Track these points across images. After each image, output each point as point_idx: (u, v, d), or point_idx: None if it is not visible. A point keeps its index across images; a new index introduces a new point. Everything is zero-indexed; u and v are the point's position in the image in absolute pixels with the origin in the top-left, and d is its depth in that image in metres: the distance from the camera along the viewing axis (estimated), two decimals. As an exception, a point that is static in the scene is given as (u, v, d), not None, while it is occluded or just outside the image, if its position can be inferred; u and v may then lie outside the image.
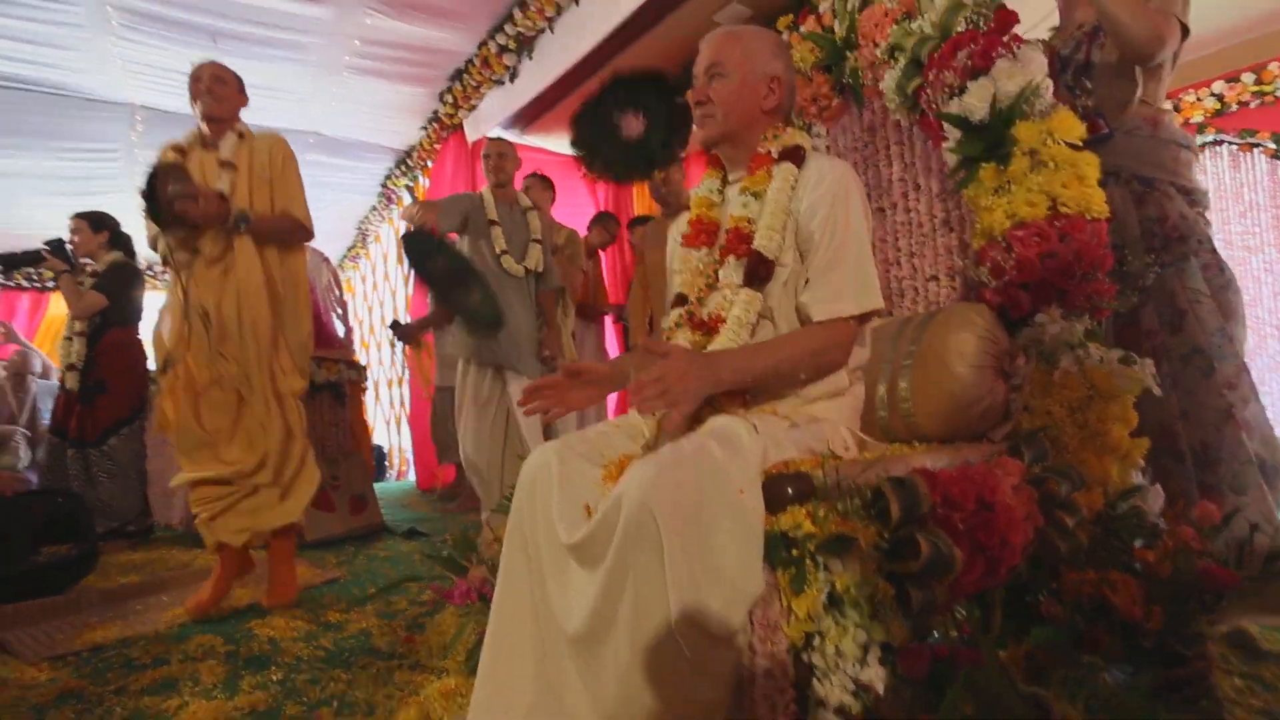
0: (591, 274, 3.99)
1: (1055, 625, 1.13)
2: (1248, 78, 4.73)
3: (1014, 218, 1.29)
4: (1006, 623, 1.23)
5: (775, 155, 1.22)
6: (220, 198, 1.99)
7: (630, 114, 2.28)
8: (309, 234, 2.17)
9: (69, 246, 3.08)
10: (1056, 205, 1.27)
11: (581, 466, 1.16)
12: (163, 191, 1.88)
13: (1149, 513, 1.22)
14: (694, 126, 1.31)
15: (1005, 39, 1.35)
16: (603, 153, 2.35)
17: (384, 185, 5.64)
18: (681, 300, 1.29)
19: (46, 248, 2.97)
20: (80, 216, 3.16)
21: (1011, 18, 1.37)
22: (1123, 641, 1.10)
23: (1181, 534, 1.17)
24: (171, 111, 4.10)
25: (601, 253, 4.26)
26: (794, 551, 0.87)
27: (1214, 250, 1.58)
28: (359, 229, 6.52)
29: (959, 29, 1.42)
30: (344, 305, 3.68)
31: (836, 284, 1.12)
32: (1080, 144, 1.29)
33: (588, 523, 1.02)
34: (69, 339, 3.12)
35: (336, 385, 3.34)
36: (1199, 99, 4.95)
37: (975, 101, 1.34)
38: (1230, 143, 5.02)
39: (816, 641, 0.86)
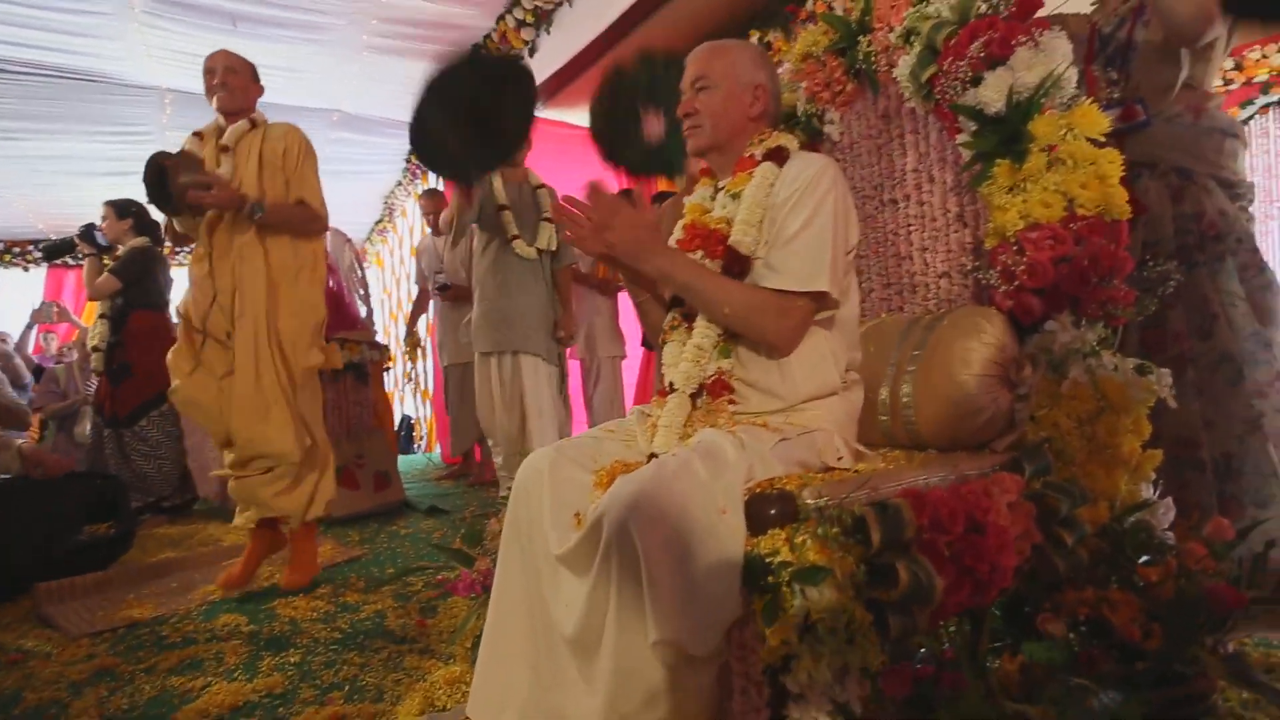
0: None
1: (1052, 642, 1.11)
2: (1319, 33, 4.38)
3: (1028, 218, 1.23)
4: (1005, 633, 1.21)
5: (759, 157, 1.23)
6: (236, 190, 2.01)
7: (653, 113, 2.11)
8: (323, 224, 2.17)
9: (98, 232, 3.17)
10: (1074, 206, 1.21)
11: (573, 473, 1.17)
12: (174, 180, 1.91)
13: (1157, 527, 1.18)
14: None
15: (1027, 24, 1.27)
16: (619, 150, 2.23)
17: (408, 160, 5.65)
18: (677, 301, 1.30)
19: (79, 234, 3.07)
20: (108, 204, 3.25)
21: (1034, 2, 1.29)
22: (1121, 662, 1.08)
23: (1190, 551, 1.13)
24: (199, 94, 4.14)
25: None
26: (770, 579, 0.86)
27: (1255, 249, 1.48)
28: (385, 203, 6.58)
29: (979, 13, 1.34)
30: (366, 286, 3.73)
31: (786, 259, 1.14)
32: (1103, 139, 1.21)
33: (576, 534, 1.04)
34: (97, 321, 3.23)
35: (359, 366, 3.40)
36: (1265, 55, 4.61)
37: (991, 93, 1.27)
38: (1299, 103, 4.69)
39: (793, 664, 0.86)
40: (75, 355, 4.55)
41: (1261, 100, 4.73)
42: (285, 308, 2.10)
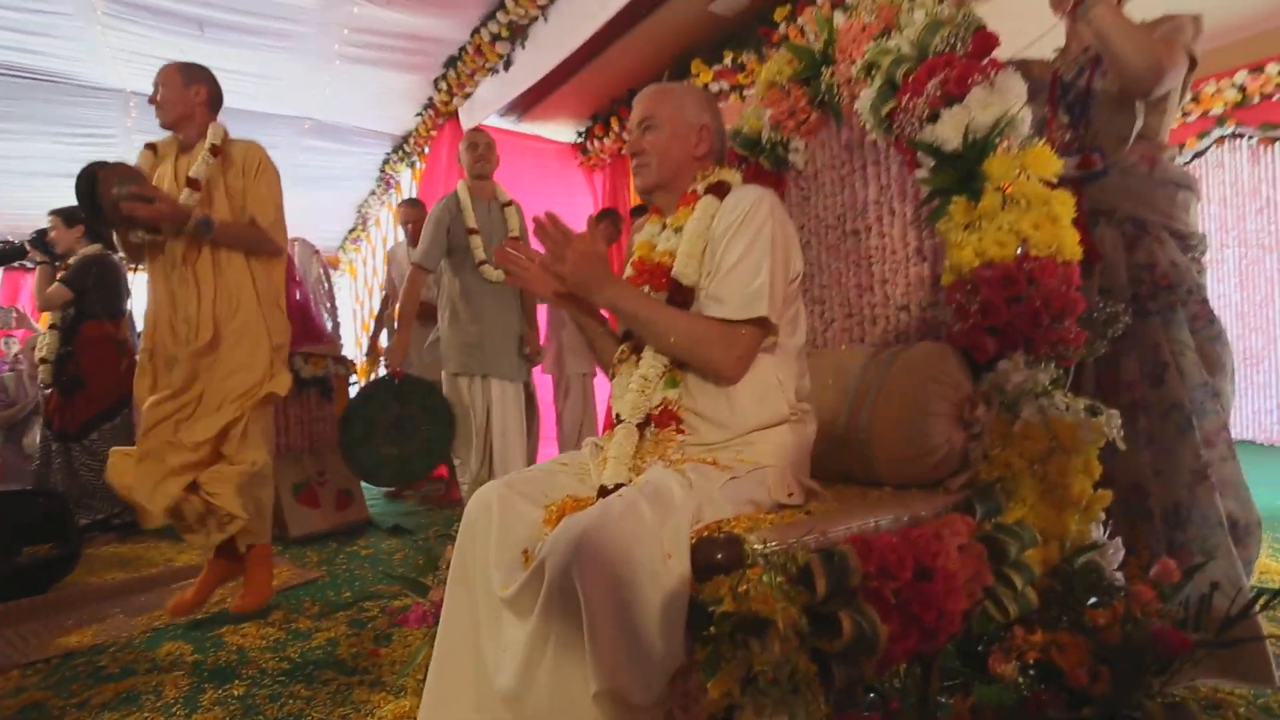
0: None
1: (1002, 685, 1.10)
2: (1272, 68, 4.54)
3: (983, 256, 1.24)
4: (960, 672, 1.21)
5: (701, 192, 1.25)
6: (180, 205, 1.93)
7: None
8: (277, 248, 2.09)
9: (49, 239, 3.07)
10: (1028, 246, 1.22)
11: (523, 509, 1.14)
12: (104, 191, 1.83)
13: (1108, 568, 1.18)
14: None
15: (983, 64, 1.28)
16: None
17: (382, 170, 5.59)
18: (628, 335, 1.31)
19: (30, 241, 2.96)
20: (54, 213, 3.14)
21: (991, 41, 1.30)
22: (1070, 706, 1.07)
23: (1138, 594, 1.13)
24: (164, 97, 4.07)
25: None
26: (711, 629, 0.84)
27: (1204, 300, 1.50)
28: (359, 212, 6.49)
29: (937, 49, 1.35)
30: (333, 299, 3.66)
31: (728, 289, 1.14)
32: (1055, 181, 1.23)
33: (521, 574, 1.01)
34: (47, 331, 3.13)
35: (324, 380, 3.33)
36: (1219, 89, 4.77)
37: (948, 131, 1.28)
38: (1251, 136, 4.85)
39: (736, 715, 0.84)
40: (25, 363, 4.40)
41: (1217, 132, 4.88)
42: (270, 326, 2.07)
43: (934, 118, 1.30)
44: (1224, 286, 4.98)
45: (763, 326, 1.14)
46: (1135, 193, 1.53)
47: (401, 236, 4.02)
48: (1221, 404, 1.45)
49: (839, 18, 2.34)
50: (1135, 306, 1.49)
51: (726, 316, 1.13)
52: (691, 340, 1.13)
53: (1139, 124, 1.52)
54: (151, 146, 2.10)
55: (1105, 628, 1.10)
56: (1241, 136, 4.90)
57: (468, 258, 2.79)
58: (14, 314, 4.67)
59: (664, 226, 1.31)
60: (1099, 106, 1.57)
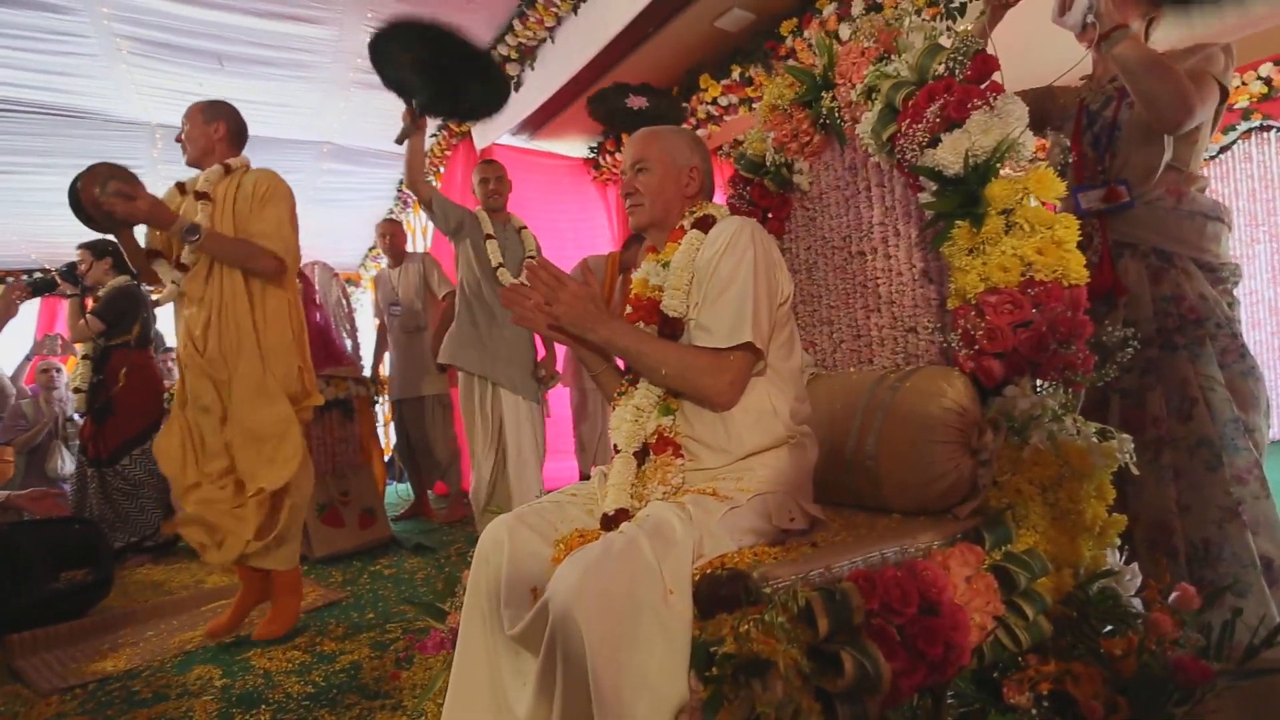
0: (621, 292, 3.98)
1: (1015, 715, 1.09)
2: (1300, 59, 4.42)
3: (987, 281, 1.23)
4: (975, 698, 1.19)
5: (688, 227, 1.31)
6: (164, 205, 1.95)
7: (634, 95, 2.97)
8: (277, 263, 2.07)
9: (79, 272, 3.18)
10: (1032, 270, 1.21)
11: (532, 544, 1.17)
12: (85, 190, 1.90)
13: (1124, 594, 1.17)
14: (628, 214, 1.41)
15: (983, 88, 1.28)
16: (618, 121, 3.00)
17: (400, 189, 5.69)
18: (629, 369, 1.32)
19: (59, 273, 3.08)
20: (83, 246, 3.26)
21: (991, 64, 1.30)
22: (1086, 737, 1.06)
23: (1156, 622, 1.11)
24: (188, 128, 4.21)
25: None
26: (713, 670, 0.85)
27: (1235, 334, 1.45)
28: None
29: (936, 73, 1.34)
30: (353, 320, 3.73)
31: (714, 319, 1.18)
32: (1057, 204, 1.22)
33: (528, 613, 1.03)
34: (80, 362, 3.23)
35: (345, 402, 3.40)
36: (1244, 83, 4.65)
37: (949, 155, 1.27)
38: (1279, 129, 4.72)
39: (742, 756, 0.84)
40: (60, 387, 4.53)
41: (1244, 126, 4.76)
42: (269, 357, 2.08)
43: (935, 142, 1.30)
44: (1256, 282, 4.85)
45: (751, 352, 1.17)
46: (1160, 225, 1.50)
47: (384, 264, 4.04)
48: (1255, 440, 1.40)
49: (844, 30, 2.31)
50: (1162, 340, 1.47)
51: (714, 345, 1.17)
52: (683, 370, 1.17)
53: (1167, 155, 1.48)
54: (180, 185, 2.17)
55: (1121, 657, 1.08)
56: (1270, 129, 4.77)
57: (484, 260, 2.82)
58: (59, 340, 4.83)
59: (657, 262, 1.36)
60: (1126, 137, 1.54)
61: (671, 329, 1.24)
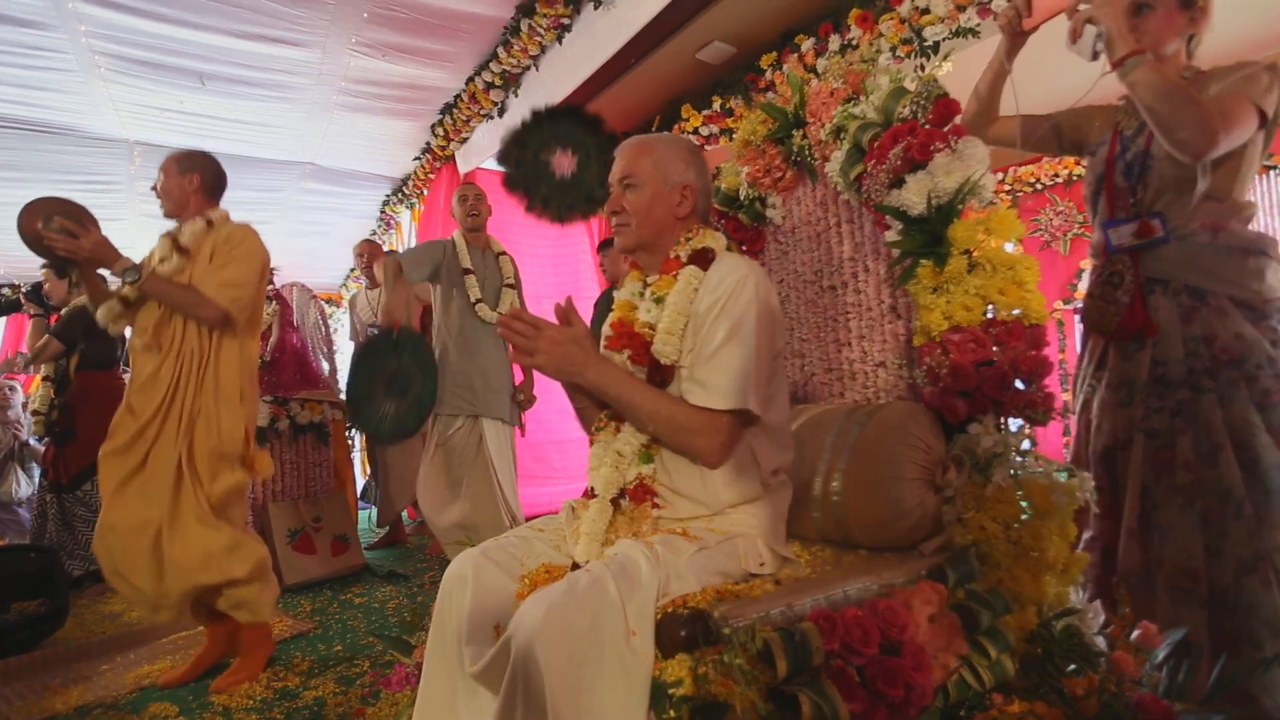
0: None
1: (982, 755, 1.08)
2: None
3: (951, 320, 1.26)
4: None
5: (684, 259, 1.22)
6: (109, 245, 1.91)
7: (559, 152, 2.32)
8: (220, 316, 1.99)
9: (44, 291, 3.12)
10: (996, 310, 1.23)
11: (497, 580, 1.15)
12: (30, 223, 1.86)
13: (1087, 632, 1.17)
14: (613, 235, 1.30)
15: (945, 131, 1.31)
16: (540, 192, 2.38)
17: (382, 211, 5.68)
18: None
19: (25, 293, 3.02)
20: (46, 265, 3.19)
21: (953, 108, 1.33)
22: (1049, 778, 1.06)
23: (1118, 661, 1.12)
24: (168, 147, 4.18)
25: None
26: (671, 712, 0.84)
27: (1279, 375, 1.34)
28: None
29: (901, 115, 1.38)
30: (330, 344, 3.69)
31: (713, 376, 1.11)
32: (1018, 243, 1.25)
33: (491, 650, 1.01)
34: (40, 384, 3.15)
35: (320, 426, 3.35)
36: None
37: (912, 196, 1.30)
38: None
39: (700, 800, 0.83)
40: (14, 410, 4.41)
41: None
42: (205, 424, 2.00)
43: (899, 182, 1.33)
44: None
45: (744, 415, 1.11)
46: (1193, 261, 1.40)
47: (364, 284, 4.02)
48: None
49: (820, 64, 2.35)
50: (1190, 383, 1.38)
51: (709, 405, 1.09)
52: (674, 428, 1.10)
53: (1202, 185, 1.38)
54: (168, 235, 2.11)
55: (1083, 697, 1.08)
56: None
57: (463, 296, 2.81)
58: (24, 359, 4.72)
59: (644, 285, 1.28)
60: (1158, 167, 1.43)
61: (662, 376, 1.16)
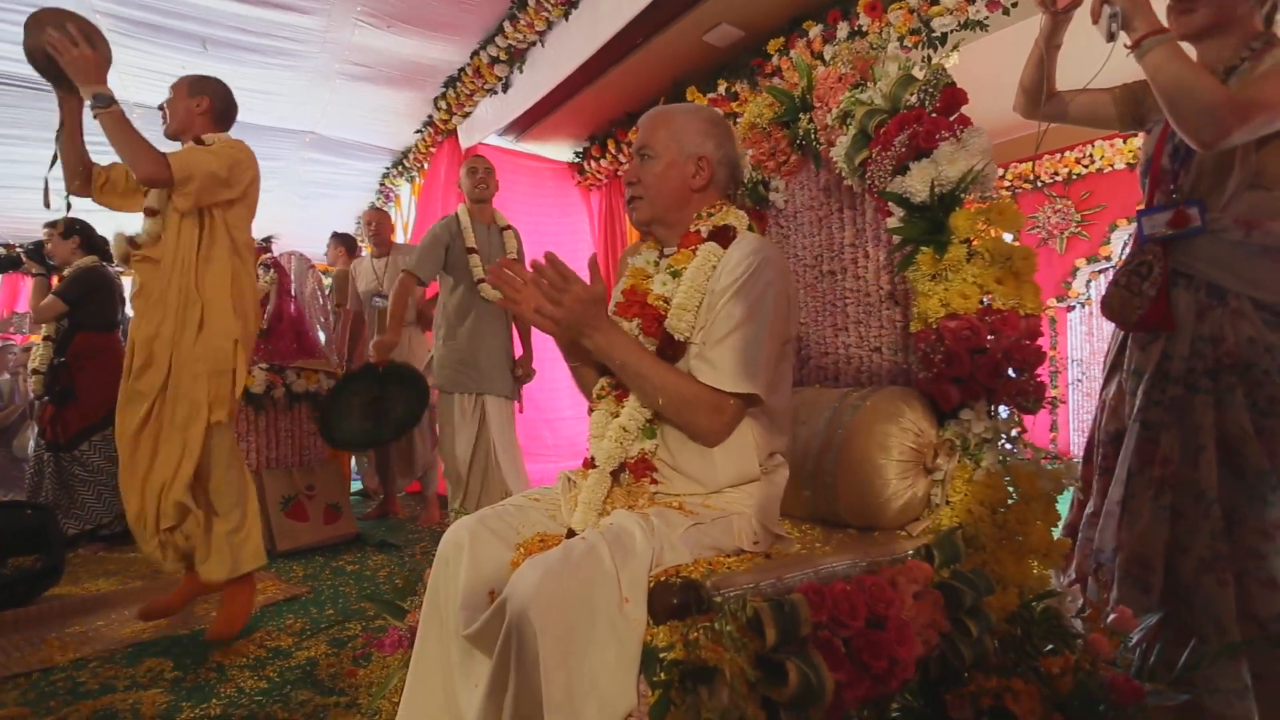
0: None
1: (958, 729, 1.12)
2: None
3: (948, 307, 1.27)
4: (920, 713, 1.23)
5: (704, 235, 1.22)
6: (95, 65, 1.83)
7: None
8: (162, 171, 1.86)
9: (46, 251, 3.11)
10: (991, 298, 1.25)
11: (493, 548, 1.17)
12: (34, 30, 1.80)
13: (1065, 616, 1.21)
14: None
15: (951, 120, 1.32)
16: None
17: (382, 183, 5.65)
18: (608, 370, 1.27)
19: (26, 251, 3.00)
20: (49, 225, 3.17)
21: (960, 97, 1.34)
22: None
23: (1093, 642, 1.16)
24: (167, 109, 4.15)
25: None
26: (662, 675, 0.87)
27: None
28: (359, 222, 6.54)
29: (908, 103, 1.39)
30: (328, 314, 3.69)
31: (724, 356, 1.11)
32: (1014, 236, 1.26)
33: (485, 614, 1.04)
34: (40, 343, 3.15)
35: (315, 395, 3.36)
36: None
37: (916, 184, 1.32)
38: None
39: (687, 761, 0.86)
40: (26, 369, 4.42)
41: None
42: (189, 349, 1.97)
43: (903, 170, 1.34)
44: None
45: (751, 398, 1.12)
46: (1220, 259, 1.33)
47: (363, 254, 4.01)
48: None
49: (829, 52, 2.34)
50: (1187, 381, 1.37)
51: (718, 385, 1.10)
52: (680, 403, 1.11)
53: (1241, 173, 1.30)
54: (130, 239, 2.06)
55: (1059, 675, 1.12)
56: None
57: (466, 275, 2.83)
58: (28, 318, 4.71)
59: (660, 255, 1.27)
60: (1199, 155, 1.35)
61: (674, 350, 1.15)
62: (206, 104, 2.08)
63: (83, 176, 2.00)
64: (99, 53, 1.86)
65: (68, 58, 1.80)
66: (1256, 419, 1.30)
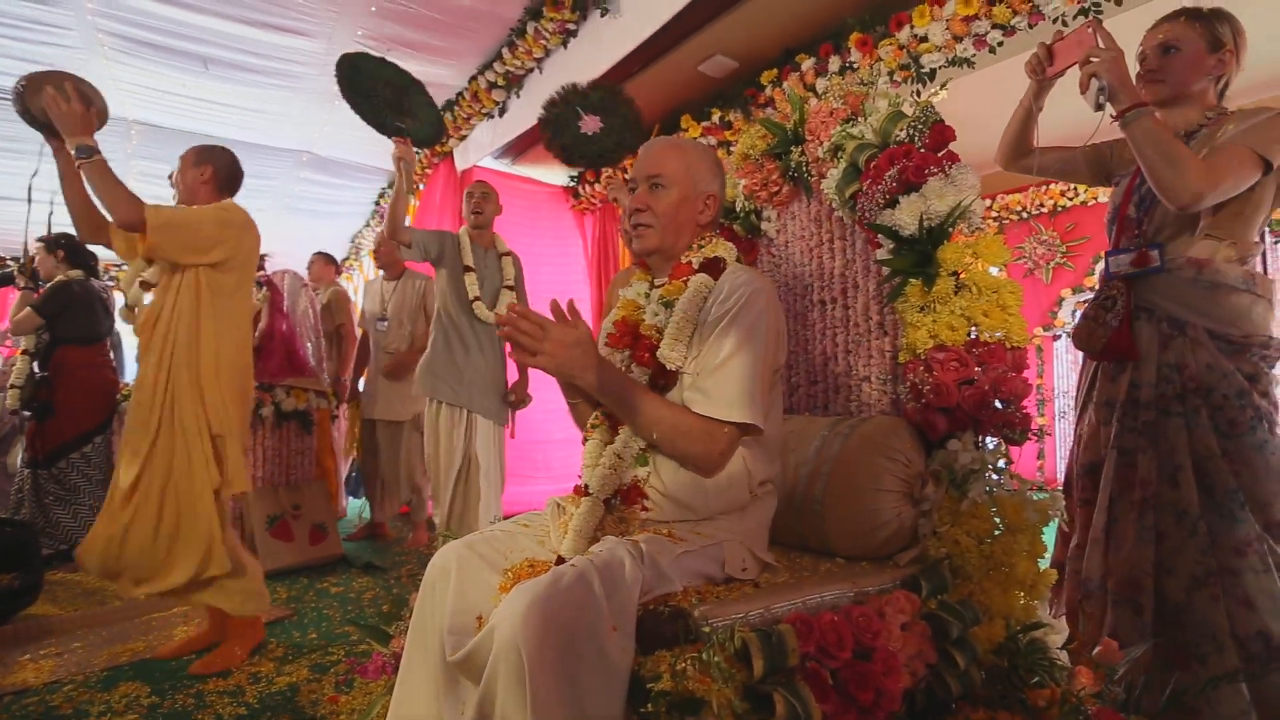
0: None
1: (945, 761, 1.12)
2: None
3: (936, 339, 1.30)
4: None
5: (695, 266, 1.24)
6: (83, 119, 1.87)
7: (590, 115, 2.68)
8: (134, 218, 1.90)
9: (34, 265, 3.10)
10: (979, 331, 1.28)
11: (481, 573, 1.16)
12: (32, 91, 1.87)
13: (1051, 647, 1.21)
14: (630, 237, 1.32)
15: (940, 155, 1.36)
16: (562, 137, 2.69)
17: (377, 203, 5.68)
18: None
19: (18, 268, 2.99)
20: (38, 240, 3.17)
21: (948, 134, 1.38)
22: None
23: (1078, 675, 1.16)
24: (167, 128, 4.17)
25: None
26: (648, 707, 0.86)
27: (1250, 406, 1.38)
28: (352, 242, 6.57)
29: (898, 138, 1.42)
30: (319, 333, 3.67)
31: (718, 386, 1.12)
32: (1002, 267, 1.29)
33: (472, 640, 1.03)
34: (20, 357, 3.11)
35: (304, 413, 3.34)
36: None
37: (905, 217, 1.35)
38: None
39: (674, 793, 0.85)
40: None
41: None
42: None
43: (893, 203, 1.38)
44: None
45: (745, 426, 1.13)
46: (1176, 294, 1.46)
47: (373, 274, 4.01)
48: (1265, 512, 1.36)
49: (820, 83, 2.38)
50: (1159, 405, 1.46)
51: (712, 415, 1.11)
52: (675, 435, 1.12)
53: (1204, 224, 1.45)
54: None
55: (1044, 708, 1.12)
56: None
57: (461, 292, 2.84)
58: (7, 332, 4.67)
59: (651, 286, 1.29)
60: (1164, 203, 1.46)
61: (666, 380, 1.17)
62: (210, 172, 2.13)
63: (90, 224, 2.04)
64: (92, 108, 1.93)
65: (56, 113, 1.86)
66: (1220, 440, 1.40)
